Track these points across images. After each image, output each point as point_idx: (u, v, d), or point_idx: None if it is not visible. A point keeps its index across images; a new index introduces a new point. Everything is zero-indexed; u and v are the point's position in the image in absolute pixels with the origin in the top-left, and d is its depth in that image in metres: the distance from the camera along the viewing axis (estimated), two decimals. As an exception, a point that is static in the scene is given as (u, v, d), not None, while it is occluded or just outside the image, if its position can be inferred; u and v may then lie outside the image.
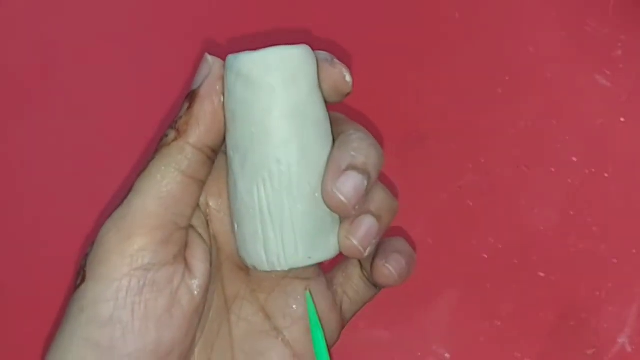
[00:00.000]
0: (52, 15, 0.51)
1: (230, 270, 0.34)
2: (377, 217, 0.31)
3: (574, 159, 0.46)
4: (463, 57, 0.48)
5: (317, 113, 0.31)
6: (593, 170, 0.46)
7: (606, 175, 0.46)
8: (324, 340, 0.32)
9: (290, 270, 0.32)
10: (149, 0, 0.51)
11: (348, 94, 0.32)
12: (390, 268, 0.33)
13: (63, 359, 0.29)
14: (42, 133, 0.48)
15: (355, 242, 0.31)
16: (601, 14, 0.49)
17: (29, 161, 0.48)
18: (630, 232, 0.45)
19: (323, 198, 0.30)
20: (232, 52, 0.31)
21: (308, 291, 0.33)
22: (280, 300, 0.34)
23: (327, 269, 0.36)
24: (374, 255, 0.33)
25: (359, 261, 0.35)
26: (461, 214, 0.46)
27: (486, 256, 0.45)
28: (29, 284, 0.46)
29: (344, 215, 0.31)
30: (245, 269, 0.34)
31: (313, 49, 0.32)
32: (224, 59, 0.31)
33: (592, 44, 0.48)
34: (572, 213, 0.45)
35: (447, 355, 0.44)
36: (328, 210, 0.31)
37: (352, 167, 0.30)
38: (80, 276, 0.30)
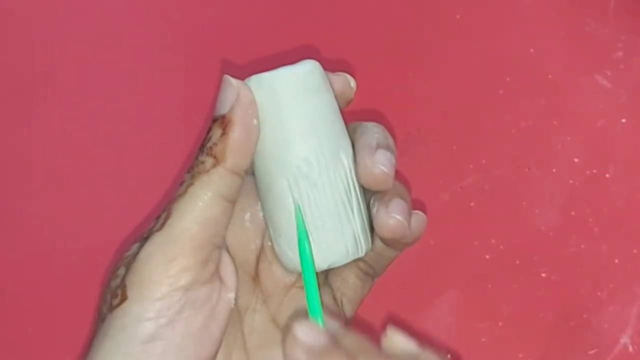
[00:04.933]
0: (60, 32, 0.51)
1: (242, 281, 0.34)
2: (404, 200, 0.33)
3: (575, 159, 0.46)
4: (464, 58, 0.49)
5: (341, 116, 0.34)
6: (594, 170, 0.46)
7: (607, 175, 0.46)
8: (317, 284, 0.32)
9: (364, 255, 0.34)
10: (163, 20, 0.51)
11: (351, 101, 0.34)
12: (396, 216, 0.32)
13: None
14: (55, 143, 0.49)
15: (400, 217, 0.32)
16: (602, 14, 0.49)
17: (42, 170, 0.48)
18: (631, 233, 0.45)
19: (363, 177, 0.32)
20: (248, 72, 0.32)
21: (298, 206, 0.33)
22: (289, 310, 0.35)
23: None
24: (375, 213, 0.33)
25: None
26: (463, 215, 0.46)
27: (488, 257, 0.45)
28: (39, 288, 0.46)
29: (385, 188, 0.33)
30: (256, 279, 0.35)
31: (317, 59, 0.34)
32: (240, 78, 0.32)
33: (593, 45, 0.48)
34: (573, 213, 0.45)
35: (448, 355, 0.44)
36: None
37: (380, 147, 0.32)
38: (117, 296, 0.31)
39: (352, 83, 0.34)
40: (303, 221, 0.32)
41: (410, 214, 0.33)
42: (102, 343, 0.30)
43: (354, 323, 0.36)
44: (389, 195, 0.33)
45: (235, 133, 0.31)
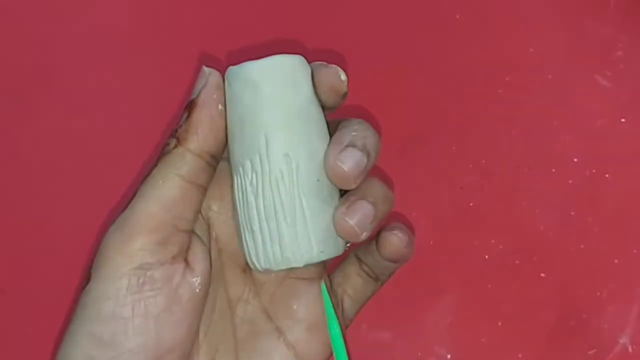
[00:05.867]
0: (52, 24, 0.51)
1: (232, 272, 0.35)
2: (373, 204, 0.32)
3: (575, 159, 0.46)
4: (463, 57, 0.49)
5: (318, 113, 0.33)
6: (594, 170, 0.46)
7: (607, 175, 0.46)
8: (341, 333, 0.33)
9: (305, 265, 0.32)
10: (148, 15, 0.51)
11: (345, 94, 0.33)
12: (398, 234, 0.33)
13: (71, 353, 0.31)
14: (48, 139, 0.49)
15: (351, 222, 0.32)
16: (601, 14, 0.49)
17: (39, 168, 0.48)
18: (631, 233, 0.45)
19: (326, 171, 0.32)
20: (228, 64, 0.33)
21: (323, 282, 0.33)
22: (282, 301, 0.34)
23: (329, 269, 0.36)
24: (379, 230, 0.34)
25: (357, 257, 0.36)
26: (462, 215, 0.46)
27: (487, 257, 0.45)
28: (39, 287, 0.46)
29: (346, 187, 0.32)
30: (248, 270, 0.35)
31: (310, 56, 0.33)
32: (220, 70, 0.33)
33: (593, 45, 0.48)
34: (573, 213, 0.45)
35: (448, 355, 0.44)
36: (335, 206, 0.33)
37: (352, 145, 0.32)
38: (86, 277, 0.31)
39: (343, 76, 0.33)
40: (331, 302, 0.33)
41: (373, 221, 0.32)
42: (72, 323, 0.31)
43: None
44: (356, 195, 0.32)
45: (198, 115, 0.32)
